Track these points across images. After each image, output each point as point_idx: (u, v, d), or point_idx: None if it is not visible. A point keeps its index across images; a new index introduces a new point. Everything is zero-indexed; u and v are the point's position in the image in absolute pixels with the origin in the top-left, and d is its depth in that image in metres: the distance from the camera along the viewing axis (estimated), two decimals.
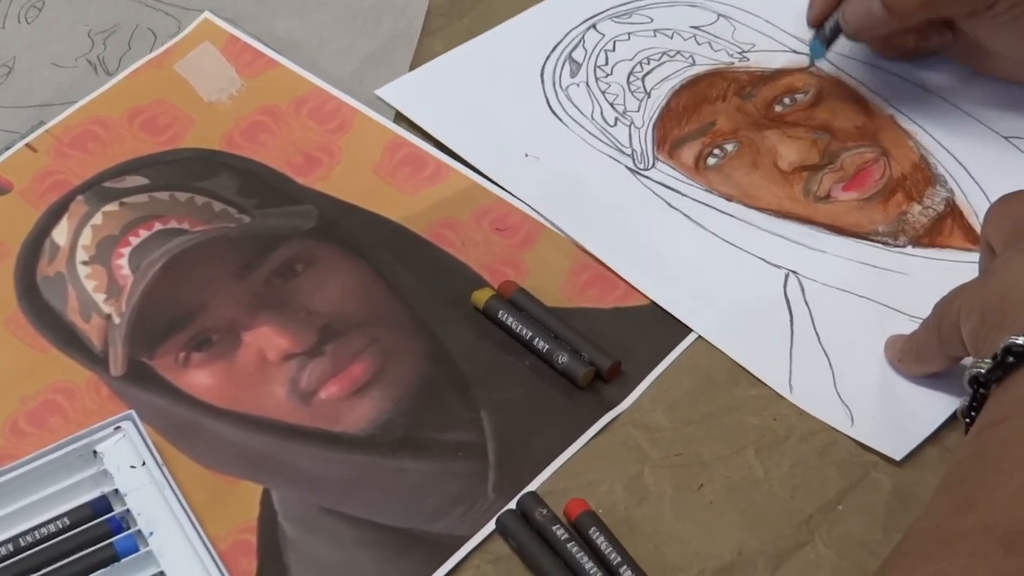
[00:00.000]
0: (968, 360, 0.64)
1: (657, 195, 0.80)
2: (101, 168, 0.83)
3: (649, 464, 0.69)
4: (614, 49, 0.88)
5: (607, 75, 0.86)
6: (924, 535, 0.56)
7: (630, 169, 0.81)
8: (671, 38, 0.88)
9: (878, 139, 0.81)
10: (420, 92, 0.86)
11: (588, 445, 0.70)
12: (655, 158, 0.82)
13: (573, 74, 0.87)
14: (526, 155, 0.82)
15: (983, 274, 0.67)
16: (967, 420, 0.62)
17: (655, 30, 0.89)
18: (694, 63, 0.86)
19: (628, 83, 0.86)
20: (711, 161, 0.81)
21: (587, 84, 0.86)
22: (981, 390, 0.61)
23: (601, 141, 0.83)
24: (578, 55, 0.88)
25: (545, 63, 0.87)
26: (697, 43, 0.88)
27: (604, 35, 0.89)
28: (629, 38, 0.88)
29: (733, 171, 0.81)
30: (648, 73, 0.86)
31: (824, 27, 0.79)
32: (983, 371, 0.60)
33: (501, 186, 0.81)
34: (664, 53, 0.87)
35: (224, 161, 0.84)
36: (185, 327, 0.76)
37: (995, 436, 0.58)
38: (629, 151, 0.82)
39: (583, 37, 0.89)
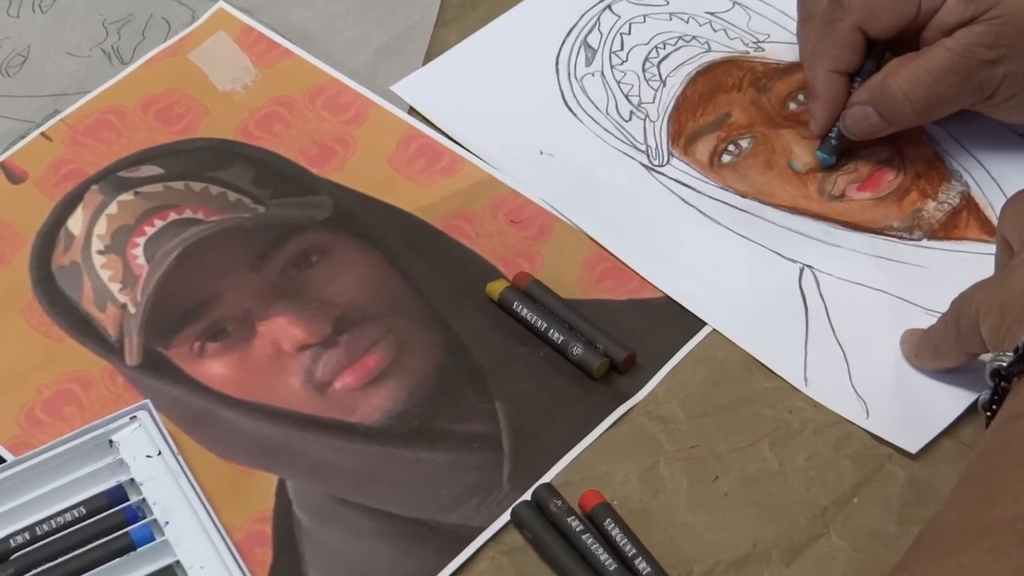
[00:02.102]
0: (989, 354, 0.64)
1: (672, 191, 0.80)
2: (116, 157, 0.83)
3: (664, 456, 0.69)
4: (630, 32, 0.87)
5: (622, 62, 0.86)
6: (945, 529, 0.56)
7: (645, 166, 0.81)
8: (687, 23, 0.88)
9: (892, 138, 0.80)
10: (434, 87, 0.86)
11: (603, 437, 0.70)
12: (670, 154, 0.82)
13: (588, 62, 0.86)
14: (541, 152, 0.82)
15: (1002, 271, 0.67)
16: (988, 414, 0.62)
17: (671, 13, 0.88)
18: (710, 49, 0.86)
19: (644, 70, 0.86)
20: (726, 158, 0.81)
21: (602, 74, 0.86)
22: (1003, 383, 0.61)
23: (616, 137, 0.83)
24: (593, 39, 0.87)
25: (560, 49, 0.87)
26: (713, 29, 0.87)
27: (620, 16, 0.88)
28: (645, 20, 0.88)
29: (747, 170, 0.81)
30: (664, 59, 0.86)
31: (829, 137, 0.79)
32: (1005, 364, 0.60)
33: (516, 182, 0.81)
34: (680, 38, 0.87)
35: (239, 151, 0.84)
36: (200, 317, 0.76)
37: (1017, 430, 0.58)
38: (644, 147, 0.82)
39: (599, 19, 0.88)
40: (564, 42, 0.88)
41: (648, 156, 0.82)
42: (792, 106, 0.83)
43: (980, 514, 0.55)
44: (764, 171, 0.80)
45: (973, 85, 0.75)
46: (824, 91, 0.79)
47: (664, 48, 0.87)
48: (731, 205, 0.79)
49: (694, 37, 0.87)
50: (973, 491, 0.57)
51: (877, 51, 0.78)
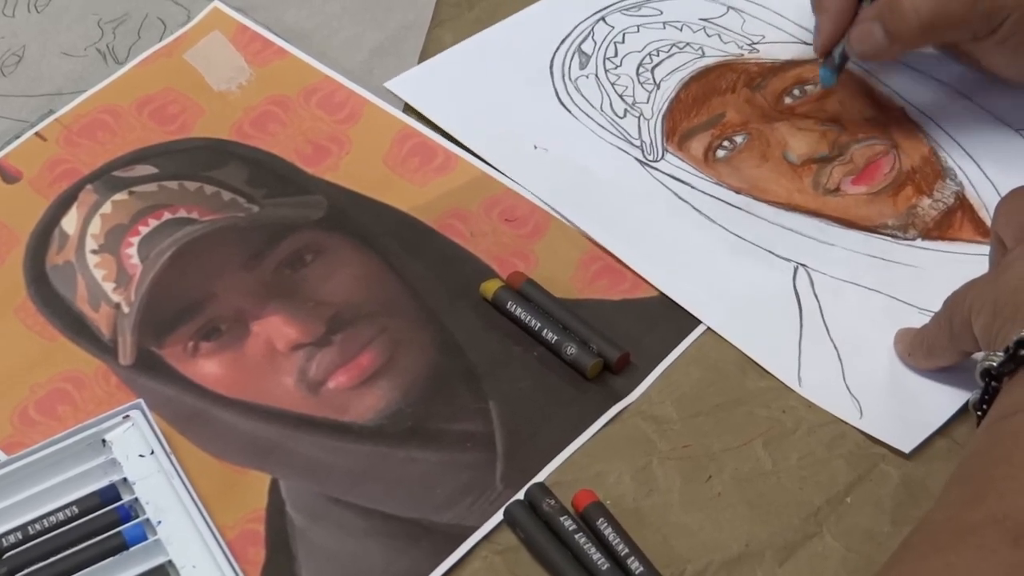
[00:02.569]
0: (980, 353, 0.64)
1: (666, 187, 0.80)
2: (110, 157, 0.83)
3: (657, 455, 0.69)
4: (623, 41, 0.88)
5: (616, 67, 0.86)
6: (934, 527, 0.56)
7: (639, 161, 0.81)
8: (680, 30, 0.88)
9: (888, 132, 0.81)
10: (429, 84, 0.86)
11: (596, 436, 0.70)
12: (664, 149, 0.82)
13: (582, 66, 0.87)
14: (535, 147, 0.82)
15: (994, 269, 0.67)
16: (979, 413, 0.62)
17: (664, 22, 0.89)
18: (703, 55, 0.86)
19: (637, 74, 0.86)
20: (720, 153, 0.81)
21: (596, 76, 0.86)
22: (993, 383, 0.61)
23: (610, 132, 0.83)
24: (587, 47, 0.88)
25: (554, 55, 0.87)
26: (707, 35, 0.87)
27: (613, 27, 0.89)
28: (639, 30, 0.88)
29: (742, 163, 0.81)
30: (657, 65, 0.86)
31: (833, 54, 0.79)
32: (995, 364, 0.60)
33: (510, 178, 0.81)
34: (674, 45, 0.87)
35: (233, 150, 0.84)
36: (194, 316, 0.76)
37: (1007, 429, 0.58)
38: (638, 143, 0.82)
39: (592, 29, 0.89)
40: (558, 49, 0.88)
41: (643, 151, 0.82)
42: (788, 100, 0.83)
43: (968, 512, 0.55)
44: (759, 164, 0.80)
45: (981, 10, 0.74)
46: (832, 4, 0.78)
47: (658, 55, 0.87)
48: (725, 201, 0.79)
49: (688, 44, 0.87)
50: (962, 490, 0.57)
51: None
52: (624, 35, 0.88)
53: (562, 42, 0.88)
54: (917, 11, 0.75)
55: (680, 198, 0.79)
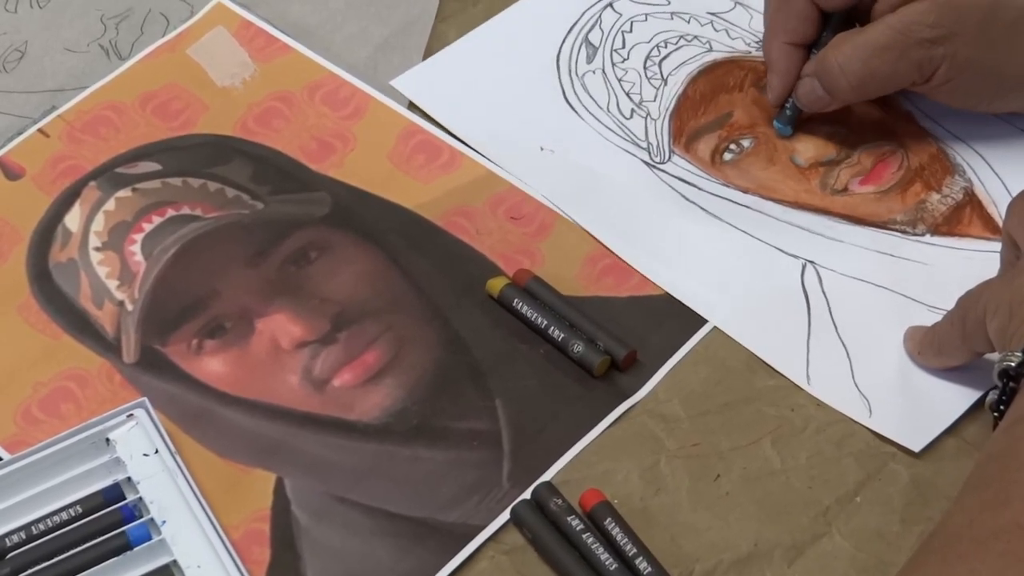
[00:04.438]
0: (996, 354, 0.63)
1: (673, 189, 0.79)
2: (114, 154, 0.83)
3: (665, 454, 0.69)
4: (631, 30, 0.87)
5: (624, 60, 0.86)
6: (955, 533, 0.56)
7: (646, 163, 0.81)
8: (688, 22, 0.87)
9: (895, 133, 0.80)
10: (434, 82, 0.85)
11: (604, 435, 0.70)
12: (671, 151, 0.81)
13: (589, 59, 0.86)
14: (541, 148, 0.82)
15: (1010, 270, 0.66)
16: (996, 414, 0.62)
17: (672, 13, 0.88)
18: (711, 49, 0.86)
19: (645, 68, 0.85)
20: (727, 156, 0.81)
21: (603, 71, 0.85)
22: (1011, 384, 0.61)
23: (617, 135, 0.82)
24: (595, 37, 0.87)
25: (561, 47, 0.87)
26: (714, 29, 0.87)
27: (621, 15, 0.88)
28: (646, 19, 0.88)
29: (750, 166, 0.80)
30: (665, 58, 0.86)
31: (785, 108, 0.80)
32: (1013, 364, 0.60)
33: (516, 177, 0.80)
34: (681, 37, 0.87)
35: (237, 147, 0.83)
36: (198, 314, 0.75)
37: None
38: (645, 145, 0.82)
39: (600, 16, 0.88)
40: (565, 39, 0.87)
41: (649, 153, 0.81)
42: None
43: (991, 518, 0.54)
44: (766, 166, 0.80)
45: (910, 64, 0.75)
46: (778, 62, 0.79)
47: (665, 47, 0.86)
48: (733, 201, 0.78)
49: (695, 37, 0.86)
50: (983, 494, 0.56)
51: (834, 23, 0.78)
52: (632, 24, 0.87)
53: (569, 31, 0.87)
54: (845, 73, 0.76)
55: (687, 199, 0.79)
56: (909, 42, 0.74)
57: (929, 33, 0.73)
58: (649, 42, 0.87)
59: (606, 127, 0.83)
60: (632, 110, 0.83)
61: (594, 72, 0.85)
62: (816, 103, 0.78)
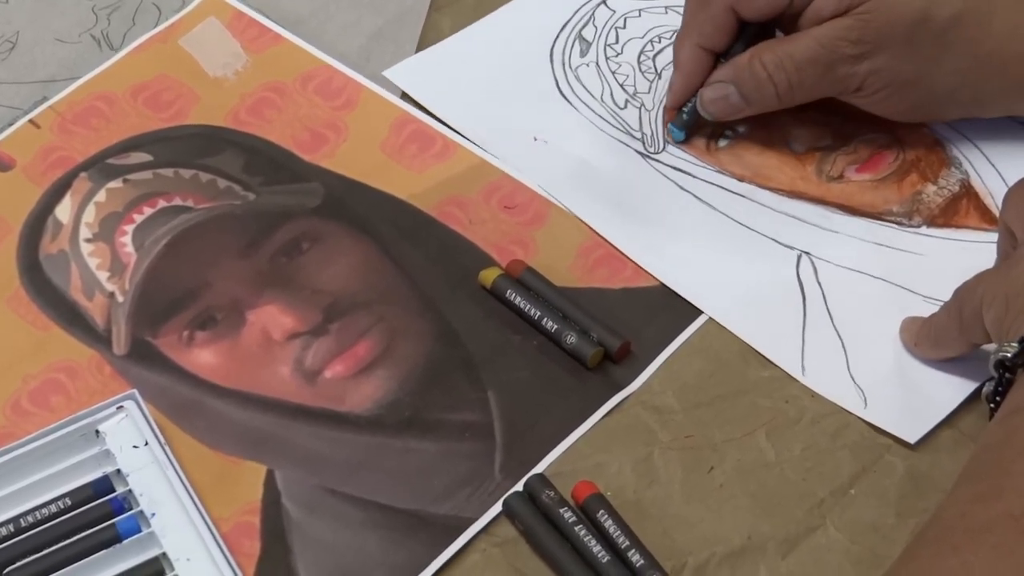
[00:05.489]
0: (992, 345, 0.63)
1: (668, 178, 0.79)
2: (105, 145, 0.83)
3: (659, 446, 0.68)
4: (624, 26, 0.87)
5: (617, 54, 0.85)
6: (948, 524, 0.55)
7: (640, 153, 0.80)
8: None
9: (892, 125, 0.79)
10: (427, 73, 0.85)
11: (597, 426, 0.69)
12: (665, 141, 0.81)
13: (583, 53, 0.85)
14: (535, 139, 0.81)
15: (1006, 261, 0.66)
16: (992, 405, 0.61)
17: (666, 7, 0.87)
18: None
19: (639, 62, 0.85)
20: (722, 143, 0.80)
21: (597, 64, 0.85)
22: (1007, 375, 0.60)
23: (611, 125, 0.82)
24: (588, 33, 0.87)
25: (555, 43, 0.86)
26: None
27: (615, 11, 0.87)
28: (640, 15, 0.87)
29: (745, 152, 0.80)
30: (659, 52, 0.85)
31: (682, 111, 0.79)
32: (1009, 355, 0.60)
33: (511, 166, 0.80)
34: (675, 32, 0.86)
35: (229, 138, 0.83)
36: (189, 306, 0.75)
37: (1022, 423, 0.57)
38: (639, 135, 0.81)
39: (593, 13, 0.87)
40: (559, 35, 0.87)
41: (644, 143, 0.81)
42: None
43: (984, 509, 0.54)
44: (762, 152, 0.79)
45: (836, 77, 0.74)
46: (686, 64, 0.78)
47: (659, 42, 0.86)
48: (728, 190, 0.78)
49: None
50: (977, 485, 0.56)
51: (748, 34, 0.77)
52: (625, 20, 0.87)
53: (562, 28, 0.87)
54: (774, 81, 0.75)
55: (682, 188, 0.78)
56: (834, 58, 0.74)
57: (852, 49, 0.73)
58: (643, 37, 0.86)
59: (600, 117, 0.82)
60: (626, 100, 0.83)
61: (588, 65, 0.85)
62: (726, 110, 0.77)
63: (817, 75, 0.74)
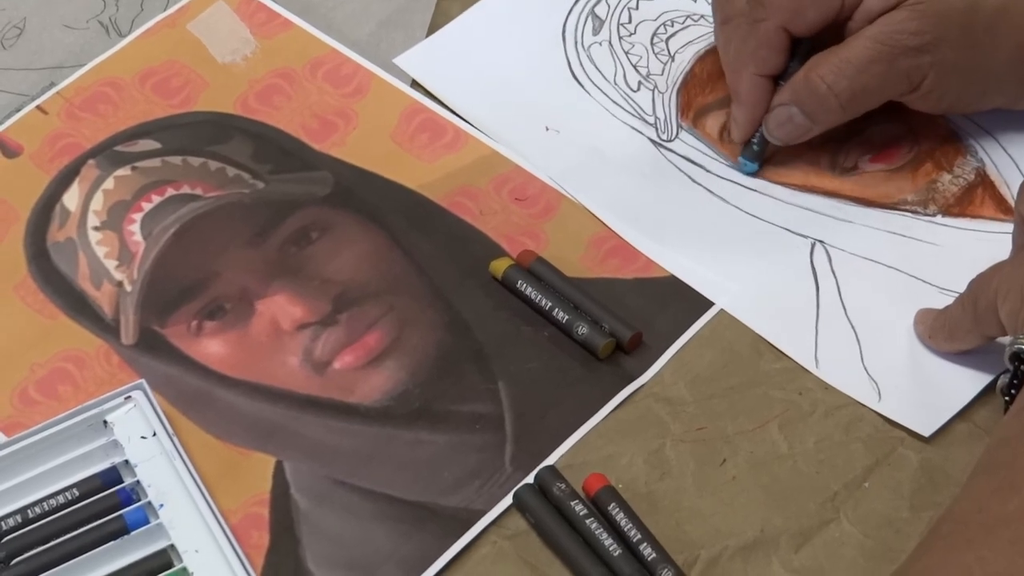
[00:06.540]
0: (1008, 337, 0.62)
1: (680, 170, 0.78)
2: (113, 131, 0.82)
3: (671, 438, 0.68)
4: (637, 7, 0.86)
5: (630, 34, 0.84)
6: (963, 519, 0.55)
7: (653, 142, 0.80)
8: (695, 1, 0.86)
9: (905, 116, 0.79)
10: (438, 60, 0.84)
11: (608, 418, 0.69)
12: (679, 126, 0.80)
13: (596, 31, 0.85)
14: (547, 129, 0.80)
15: (1021, 252, 0.65)
16: (1007, 398, 0.61)
17: None
18: None
19: (652, 44, 0.84)
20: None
21: (610, 43, 0.84)
22: (1022, 367, 0.60)
23: (624, 109, 0.81)
24: (601, 10, 0.86)
25: (567, 19, 0.85)
26: None
27: None
28: None
29: None
30: (672, 36, 0.84)
31: (752, 142, 0.77)
32: None
33: (522, 157, 0.79)
34: (688, 16, 0.85)
35: (238, 125, 0.82)
36: (197, 295, 0.74)
37: None
38: (652, 119, 0.80)
39: None
40: (571, 11, 0.86)
41: (657, 129, 0.80)
42: None
43: (1000, 504, 0.53)
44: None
45: (899, 74, 0.72)
46: (748, 95, 0.76)
47: (672, 25, 0.85)
48: (740, 184, 0.77)
49: (702, 16, 0.85)
50: (992, 479, 0.55)
51: (802, 51, 0.75)
52: (638, 1, 0.86)
53: (575, 4, 0.86)
54: (833, 91, 0.73)
55: (694, 181, 0.78)
56: (895, 53, 0.72)
57: (914, 41, 0.71)
58: (656, 20, 0.85)
59: (613, 101, 0.81)
60: (639, 82, 0.82)
61: (600, 44, 0.84)
62: (793, 132, 0.75)
63: (880, 75, 0.72)
